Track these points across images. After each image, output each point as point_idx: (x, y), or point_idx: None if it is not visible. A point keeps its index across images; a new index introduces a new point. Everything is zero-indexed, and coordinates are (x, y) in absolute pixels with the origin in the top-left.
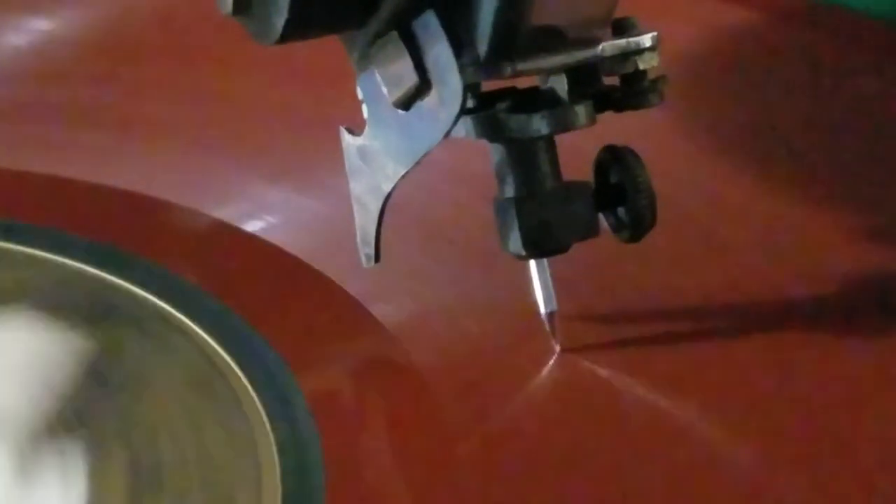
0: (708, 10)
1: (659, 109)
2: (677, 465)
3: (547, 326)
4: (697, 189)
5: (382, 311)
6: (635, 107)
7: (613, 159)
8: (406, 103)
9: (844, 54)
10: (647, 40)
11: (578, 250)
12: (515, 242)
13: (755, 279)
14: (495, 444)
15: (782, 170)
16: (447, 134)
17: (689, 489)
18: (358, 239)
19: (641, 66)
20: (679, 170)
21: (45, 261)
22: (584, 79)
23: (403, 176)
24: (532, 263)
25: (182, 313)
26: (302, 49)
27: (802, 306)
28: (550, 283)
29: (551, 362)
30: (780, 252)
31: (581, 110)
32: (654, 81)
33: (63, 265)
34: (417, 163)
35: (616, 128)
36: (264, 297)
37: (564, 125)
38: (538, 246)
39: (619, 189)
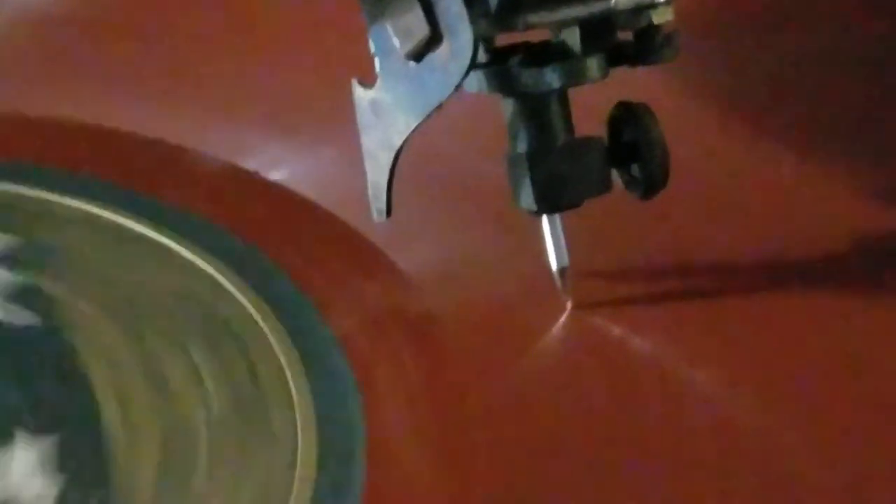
0: None
1: (674, 65)
2: (686, 422)
3: (558, 282)
4: (712, 146)
5: (401, 259)
6: (649, 62)
7: (628, 115)
8: (417, 55)
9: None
10: None
11: (590, 207)
12: (527, 197)
13: (771, 237)
14: (506, 395)
15: (802, 127)
16: (458, 86)
17: (698, 446)
18: (370, 193)
19: (655, 21)
20: (693, 127)
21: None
22: (597, 33)
23: (415, 129)
24: (544, 219)
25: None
26: (322, 4)
27: (821, 264)
28: (563, 240)
29: (562, 318)
30: (796, 209)
31: (593, 64)
32: (669, 36)
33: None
34: (428, 116)
35: (631, 84)
36: (289, 243)
37: (576, 78)
38: (550, 201)
39: (633, 145)
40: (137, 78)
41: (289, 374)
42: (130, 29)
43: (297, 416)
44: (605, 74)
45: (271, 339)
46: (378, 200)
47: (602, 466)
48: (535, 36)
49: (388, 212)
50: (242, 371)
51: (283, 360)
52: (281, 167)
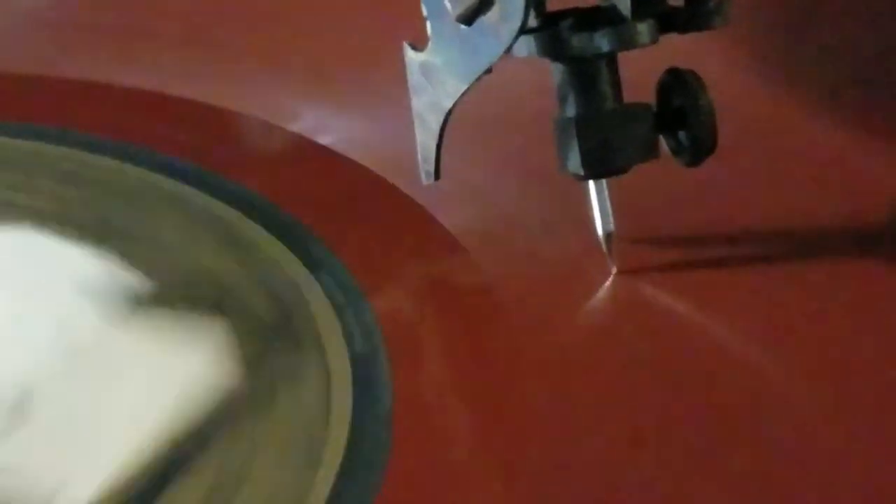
0: None
1: (725, 31)
2: (726, 388)
3: (604, 247)
4: (761, 114)
5: (449, 222)
6: (699, 28)
7: (676, 82)
8: (468, 18)
9: None
10: None
11: (637, 173)
12: (574, 162)
13: (819, 206)
14: (549, 358)
15: (850, 99)
16: (508, 50)
17: (736, 412)
18: (418, 156)
19: None
20: (742, 95)
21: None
22: None
23: (464, 93)
24: (590, 184)
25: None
26: None
27: (871, 234)
28: (608, 205)
29: (607, 283)
30: (845, 178)
31: (643, 28)
32: (720, 3)
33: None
34: (478, 79)
35: (681, 50)
36: (337, 207)
37: (626, 43)
38: (597, 166)
39: (681, 112)
40: (187, 42)
41: (328, 340)
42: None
43: (332, 380)
44: (654, 40)
45: (313, 305)
46: (427, 163)
47: (643, 429)
48: (585, 2)
49: (437, 174)
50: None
51: (323, 325)
52: (329, 131)
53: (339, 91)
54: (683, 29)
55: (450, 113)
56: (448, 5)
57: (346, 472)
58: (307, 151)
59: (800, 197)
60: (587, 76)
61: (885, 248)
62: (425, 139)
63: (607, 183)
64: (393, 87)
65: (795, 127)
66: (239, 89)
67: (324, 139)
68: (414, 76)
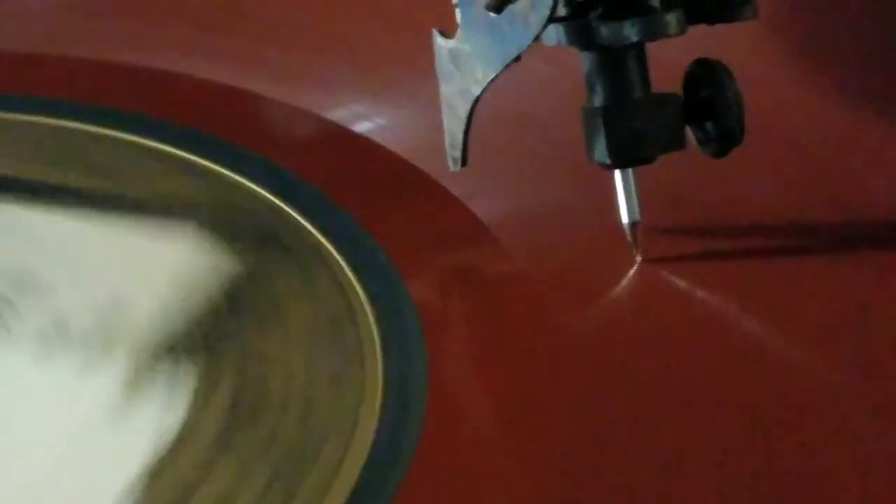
0: None
1: (754, 23)
2: (746, 376)
3: (629, 237)
4: (789, 105)
5: (479, 209)
6: (728, 20)
7: (705, 73)
8: (498, 6)
9: None
10: None
11: (663, 163)
12: (601, 151)
13: (845, 196)
14: (571, 345)
15: (881, 85)
16: (537, 38)
17: (764, 404)
18: (446, 142)
19: None
20: (769, 86)
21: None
22: None
23: (493, 80)
24: (617, 173)
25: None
26: None
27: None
28: (635, 194)
29: (631, 272)
30: (873, 169)
31: (672, 19)
32: None
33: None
34: (507, 67)
35: (711, 40)
36: (374, 197)
37: (654, 33)
38: (623, 155)
39: (709, 103)
40: (226, 30)
41: (363, 331)
42: None
43: (366, 363)
44: (683, 30)
45: (350, 293)
46: (454, 150)
47: (661, 412)
48: None
49: (464, 161)
50: (319, 322)
51: (359, 317)
52: (363, 120)
53: (372, 80)
54: (712, 20)
55: (477, 100)
56: None
57: None
58: (342, 139)
59: (826, 187)
60: (615, 66)
61: None
62: (453, 126)
63: (633, 172)
64: (425, 75)
65: (824, 118)
66: (277, 77)
67: (358, 127)
68: (442, 63)
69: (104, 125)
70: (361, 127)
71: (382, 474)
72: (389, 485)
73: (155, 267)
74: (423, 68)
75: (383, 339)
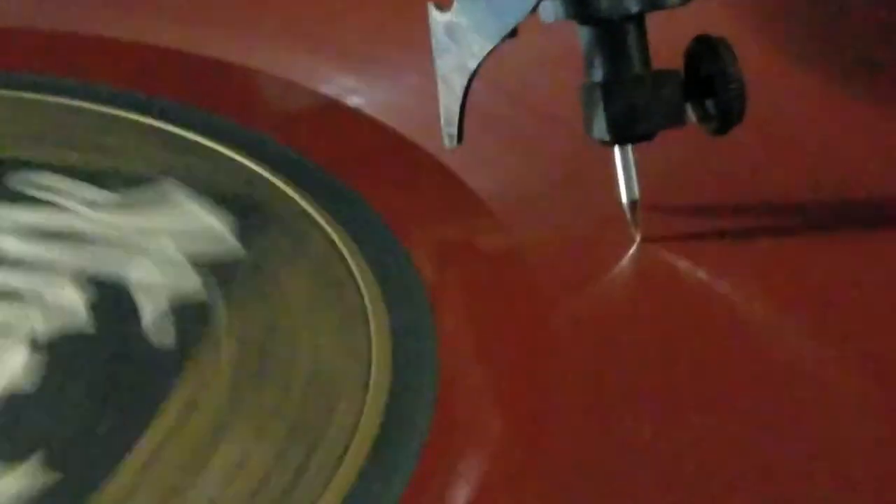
0: None
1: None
2: (750, 361)
3: (628, 215)
4: (789, 88)
5: (477, 185)
6: None
7: (706, 50)
8: None
9: None
10: None
11: (662, 140)
12: (600, 126)
13: (843, 177)
14: (572, 323)
15: (881, 69)
16: (534, 9)
17: (761, 386)
18: (441, 118)
19: None
20: (773, 67)
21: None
22: None
23: (489, 53)
24: (616, 150)
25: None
26: None
27: (884, 211)
28: (634, 173)
29: (630, 251)
30: (871, 151)
31: None
32: None
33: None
34: (503, 40)
35: (714, 20)
36: (366, 168)
37: (655, 3)
38: (623, 131)
39: (709, 80)
40: (220, 6)
41: (365, 295)
42: None
43: (373, 334)
44: (684, 1)
45: (350, 261)
46: (450, 125)
47: (661, 390)
48: None
49: (460, 138)
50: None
51: (360, 282)
52: (358, 94)
53: (368, 54)
54: None
55: (474, 74)
56: None
57: None
58: (338, 113)
59: (824, 168)
60: (615, 39)
61: None
62: (449, 101)
63: (632, 149)
64: (422, 51)
65: (824, 99)
66: (271, 52)
67: (353, 101)
68: (439, 37)
69: (91, 100)
70: (355, 100)
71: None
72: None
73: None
74: (416, 43)
75: (386, 299)
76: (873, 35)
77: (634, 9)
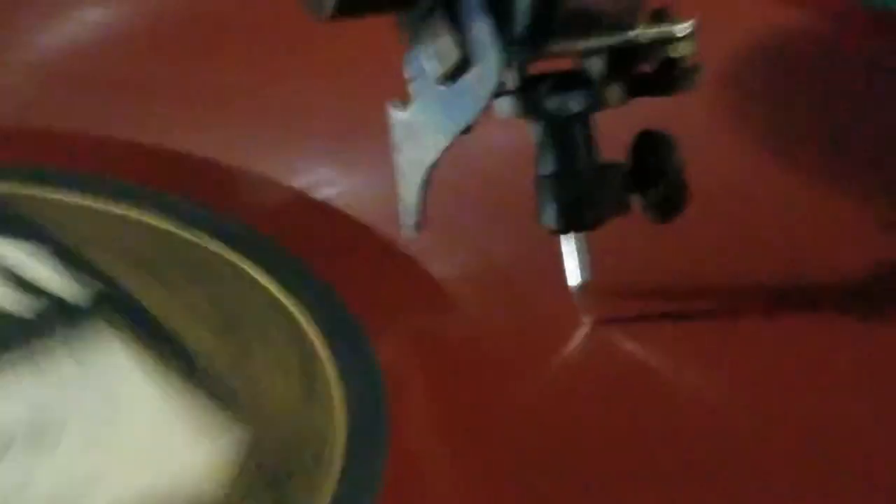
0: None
1: (704, 99)
2: (693, 434)
3: (577, 299)
4: (734, 178)
5: (436, 269)
6: (667, 92)
7: (649, 142)
8: (448, 79)
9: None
10: (680, 30)
11: (610, 227)
12: (549, 216)
13: (788, 260)
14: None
15: (824, 163)
16: (486, 109)
17: (709, 463)
18: (400, 210)
19: (674, 55)
20: (717, 158)
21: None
22: (621, 62)
23: (445, 149)
24: (563, 237)
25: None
26: (357, 30)
27: (838, 288)
28: (584, 257)
29: (581, 334)
30: (814, 234)
31: (613, 91)
32: (689, 69)
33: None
34: (458, 136)
35: (660, 114)
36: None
37: (596, 105)
38: (570, 221)
39: (654, 172)
40: (193, 99)
41: (328, 375)
42: (187, 49)
43: (334, 414)
44: (624, 101)
45: (315, 342)
46: (409, 216)
47: (611, 472)
48: (568, 63)
49: (418, 228)
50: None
51: (322, 361)
52: (327, 186)
53: (330, 149)
54: (652, 92)
55: (431, 168)
56: (430, 67)
57: None
58: (306, 204)
59: (769, 252)
60: (562, 135)
61: (851, 304)
62: (407, 195)
63: (583, 236)
64: (381, 143)
65: (771, 181)
66: (244, 144)
67: (320, 193)
68: (397, 134)
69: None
70: (322, 192)
71: None
72: None
73: None
74: (375, 134)
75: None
76: (823, 114)
77: (577, 109)
